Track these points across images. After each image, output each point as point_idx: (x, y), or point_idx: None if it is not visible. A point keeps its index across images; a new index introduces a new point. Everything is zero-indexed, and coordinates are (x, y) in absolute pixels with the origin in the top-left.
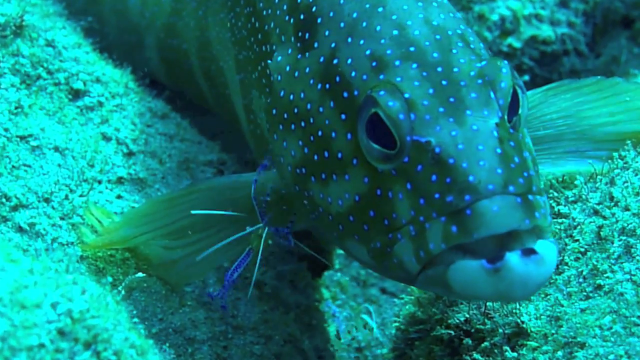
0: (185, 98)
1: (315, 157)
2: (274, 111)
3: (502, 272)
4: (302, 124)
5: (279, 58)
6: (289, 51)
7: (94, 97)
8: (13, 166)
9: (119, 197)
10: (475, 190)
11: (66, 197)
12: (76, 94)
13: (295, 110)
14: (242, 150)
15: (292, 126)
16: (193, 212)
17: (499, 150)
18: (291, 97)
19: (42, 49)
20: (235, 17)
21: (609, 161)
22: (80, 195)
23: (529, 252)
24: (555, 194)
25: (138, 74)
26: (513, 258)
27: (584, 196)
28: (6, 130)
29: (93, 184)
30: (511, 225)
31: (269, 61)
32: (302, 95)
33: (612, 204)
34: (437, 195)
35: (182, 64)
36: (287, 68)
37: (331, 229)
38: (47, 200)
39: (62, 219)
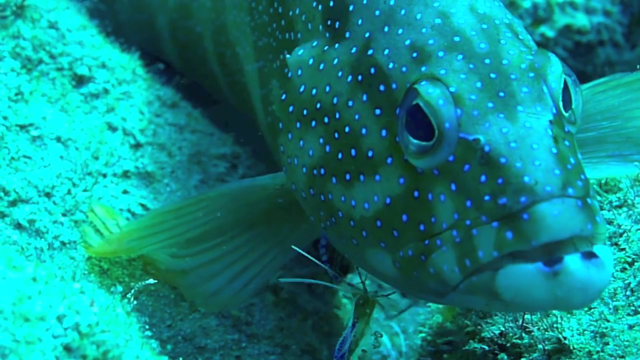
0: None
1: (340, 156)
2: (291, 108)
3: (561, 276)
4: (326, 119)
5: (300, 51)
6: (314, 43)
7: (99, 83)
8: (12, 157)
9: (125, 192)
10: (531, 192)
11: (68, 192)
12: (80, 80)
13: (318, 106)
14: (257, 142)
15: (313, 123)
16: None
17: (554, 150)
18: (314, 91)
19: (44, 31)
20: (255, 0)
21: None
22: (84, 190)
23: (590, 255)
24: (598, 198)
25: (147, 59)
26: (573, 261)
27: (629, 201)
28: (5, 118)
29: (97, 177)
30: (574, 231)
31: (288, 55)
32: (327, 88)
33: None
34: (487, 198)
35: (195, 48)
36: (311, 61)
37: (350, 236)
38: (48, 195)
39: (64, 215)
